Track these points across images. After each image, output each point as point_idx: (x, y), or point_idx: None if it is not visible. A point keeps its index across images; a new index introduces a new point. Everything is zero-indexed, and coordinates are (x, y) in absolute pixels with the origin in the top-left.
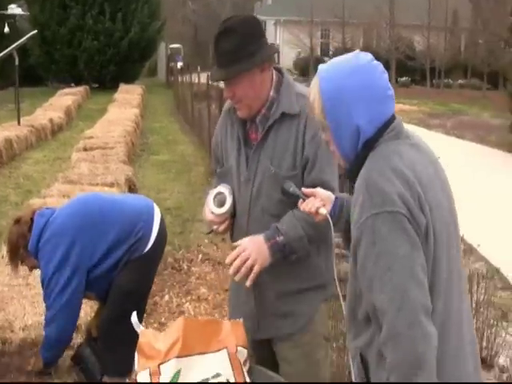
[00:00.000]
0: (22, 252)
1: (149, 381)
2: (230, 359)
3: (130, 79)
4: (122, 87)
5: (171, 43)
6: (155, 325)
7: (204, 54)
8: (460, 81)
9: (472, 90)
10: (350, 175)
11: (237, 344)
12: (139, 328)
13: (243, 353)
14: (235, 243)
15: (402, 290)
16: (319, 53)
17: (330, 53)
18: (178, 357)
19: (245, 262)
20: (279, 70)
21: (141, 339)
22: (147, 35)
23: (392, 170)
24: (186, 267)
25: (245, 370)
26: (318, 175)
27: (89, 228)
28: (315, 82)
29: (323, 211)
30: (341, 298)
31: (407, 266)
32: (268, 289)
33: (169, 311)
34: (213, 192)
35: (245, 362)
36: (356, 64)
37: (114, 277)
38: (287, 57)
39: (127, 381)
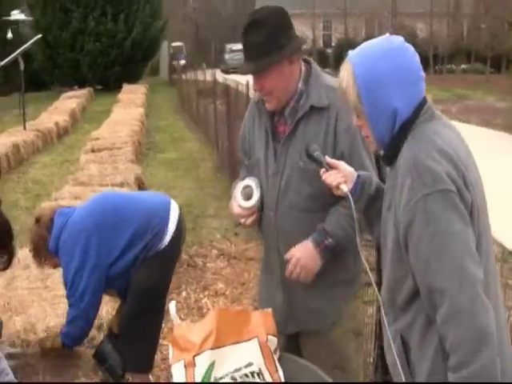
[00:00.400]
0: (43, 251)
1: (183, 372)
2: (260, 348)
3: (133, 79)
4: (126, 87)
5: (173, 42)
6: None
7: (206, 51)
8: (463, 66)
9: (475, 75)
10: (386, 159)
11: (267, 333)
12: (177, 320)
13: (273, 341)
14: (286, 256)
15: (460, 266)
16: (321, 44)
17: (333, 44)
18: (212, 348)
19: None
20: (308, 62)
21: (175, 332)
22: (150, 35)
23: (437, 151)
24: (201, 263)
25: (275, 358)
26: (359, 167)
27: (106, 226)
28: (347, 68)
29: (344, 188)
30: (375, 288)
31: (463, 243)
32: (297, 284)
33: (187, 307)
34: (240, 185)
35: (275, 350)
36: (389, 47)
37: (132, 273)
38: None
39: (150, 377)
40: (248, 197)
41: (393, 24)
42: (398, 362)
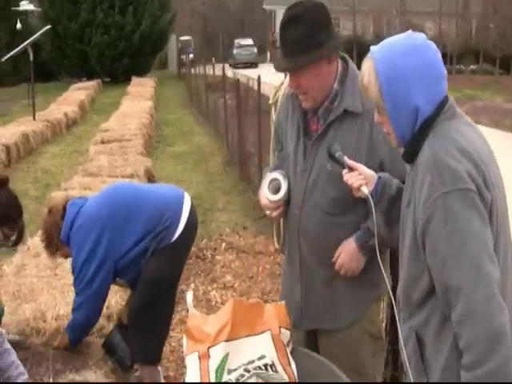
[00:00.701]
0: (55, 241)
1: (198, 364)
2: (273, 341)
3: (141, 72)
4: (135, 80)
5: (181, 35)
6: (183, 313)
7: (214, 45)
8: (472, 66)
9: (484, 75)
10: (406, 156)
11: (280, 326)
12: (192, 310)
13: (286, 334)
14: (334, 259)
15: (477, 265)
16: None
17: None
18: (226, 340)
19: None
20: (344, 59)
21: (189, 322)
22: (158, 28)
23: (457, 149)
24: (210, 256)
25: (288, 351)
26: (402, 175)
27: (118, 217)
28: (369, 64)
29: (365, 190)
30: (389, 290)
31: (481, 242)
32: (316, 280)
33: (196, 299)
34: (268, 177)
35: (288, 343)
36: (411, 43)
37: (142, 265)
38: None
39: (158, 368)
40: (275, 190)
41: (401, 22)
42: (405, 360)
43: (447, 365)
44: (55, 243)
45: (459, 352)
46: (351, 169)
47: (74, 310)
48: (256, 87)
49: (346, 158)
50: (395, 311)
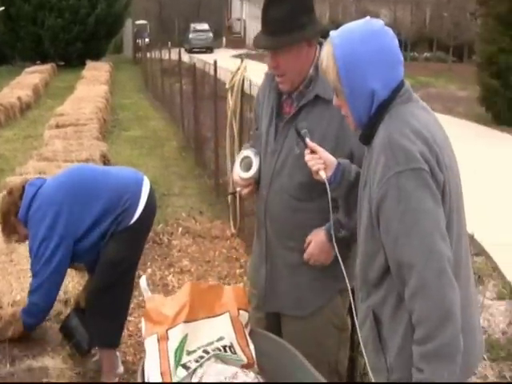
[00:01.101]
0: (12, 220)
1: (156, 346)
2: (232, 322)
3: (96, 56)
4: (90, 64)
5: (136, 20)
6: (140, 298)
7: (170, 30)
8: (426, 54)
9: (438, 63)
10: (364, 138)
11: (238, 307)
12: (147, 293)
13: (245, 316)
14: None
15: (429, 242)
16: None
17: None
18: (185, 322)
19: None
20: (322, 46)
21: (147, 305)
22: (114, 11)
23: (412, 131)
24: (166, 240)
25: (247, 332)
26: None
27: (76, 198)
28: (328, 48)
29: (322, 174)
30: (345, 277)
31: (433, 220)
32: (281, 266)
33: (152, 284)
34: (241, 154)
35: (246, 324)
36: (370, 29)
37: (101, 247)
38: (253, 32)
39: (117, 353)
40: (247, 168)
41: (357, 9)
42: (360, 340)
43: (403, 343)
44: (12, 224)
45: (414, 330)
46: (311, 151)
47: (30, 292)
48: (212, 72)
49: (308, 140)
50: (355, 290)
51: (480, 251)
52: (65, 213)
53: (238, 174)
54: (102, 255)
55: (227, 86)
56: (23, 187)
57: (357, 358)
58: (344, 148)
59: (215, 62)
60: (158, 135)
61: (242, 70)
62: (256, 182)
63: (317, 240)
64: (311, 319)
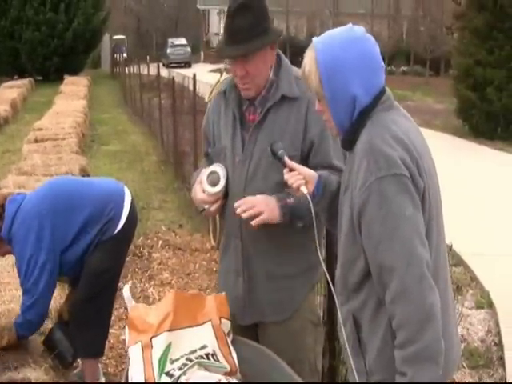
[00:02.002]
0: None
1: (140, 354)
2: (214, 331)
3: (74, 71)
4: (68, 79)
5: (114, 34)
6: (121, 310)
7: (147, 45)
8: (403, 67)
9: (415, 77)
10: (345, 144)
11: (220, 316)
12: (131, 303)
13: (227, 324)
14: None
15: (409, 246)
16: None
17: None
18: (169, 330)
19: (252, 207)
20: (277, 53)
21: (131, 313)
22: (92, 26)
23: (392, 137)
24: (146, 253)
25: (229, 340)
26: (325, 158)
27: (60, 210)
28: (310, 54)
29: (304, 190)
30: (327, 277)
31: (413, 225)
32: (258, 273)
33: (133, 296)
34: (206, 171)
35: (228, 333)
36: (352, 36)
37: (86, 258)
38: None
39: (99, 365)
40: (214, 183)
41: (334, 23)
42: (345, 341)
43: (382, 346)
44: None
45: (393, 333)
46: (290, 169)
47: (24, 310)
48: (191, 86)
49: (286, 159)
50: (333, 294)
51: (458, 261)
52: (49, 225)
53: (205, 189)
54: (86, 265)
55: (206, 100)
56: (3, 205)
57: (338, 366)
58: (306, 140)
59: (194, 76)
60: (137, 149)
61: (221, 83)
62: (223, 196)
63: (265, 196)
64: (290, 321)
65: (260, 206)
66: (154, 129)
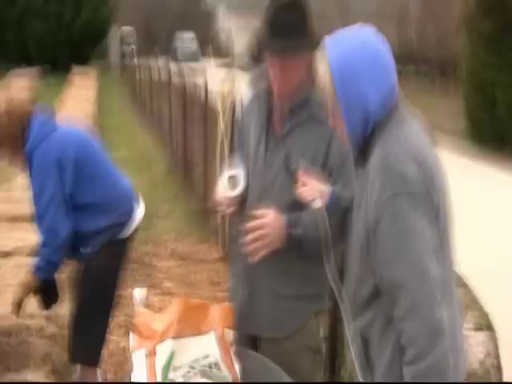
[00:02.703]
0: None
1: (144, 361)
2: (217, 341)
3: (82, 62)
4: (76, 69)
5: (122, 26)
6: (121, 317)
7: (155, 38)
8: (409, 67)
9: (422, 77)
10: (358, 159)
11: (224, 326)
12: (140, 308)
13: (230, 335)
14: (259, 212)
15: (421, 264)
16: None
17: None
18: (173, 338)
19: (259, 239)
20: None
21: (137, 319)
22: (99, 17)
23: (406, 154)
24: (150, 262)
25: (232, 351)
26: (345, 186)
27: (85, 171)
28: (323, 67)
29: (318, 204)
30: (337, 295)
31: (426, 242)
32: (259, 287)
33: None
34: (227, 173)
35: (231, 343)
36: (363, 39)
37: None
38: (239, 43)
39: (97, 371)
40: (233, 186)
41: (342, 23)
42: (354, 359)
43: (390, 363)
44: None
45: (401, 350)
46: (304, 184)
47: (44, 235)
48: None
49: (299, 173)
50: (342, 313)
51: (459, 282)
52: (73, 176)
53: (225, 192)
54: (91, 265)
55: (219, 109)
56: (29, 119)
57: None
58: (327, 168)
59: (206, 85)
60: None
61: (233, 90)
62: (242, 201)
63: (277, 216)
64: (287, 342)
65: (267, 236)
66: (162, 135)
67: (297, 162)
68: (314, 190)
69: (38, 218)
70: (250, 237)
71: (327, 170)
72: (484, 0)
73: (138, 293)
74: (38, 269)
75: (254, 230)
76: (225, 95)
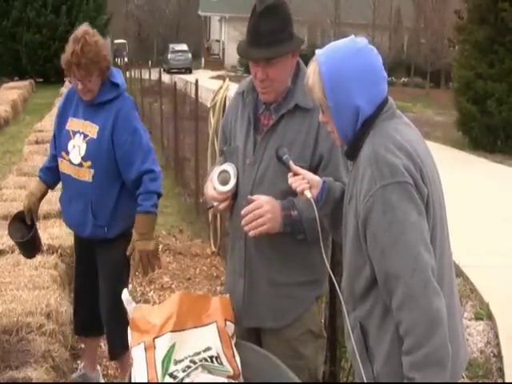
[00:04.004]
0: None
1: (143, 355)
2: (219, 333)
3: None
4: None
5: (115, 39)
6: None
7: (148, 50)
8: (403, 79)
9: (415, 88)
10: (348, 154)
11: (225, 318)
12: (131, 305)
13: (231, 327)
14: (253, 197)
15: (414, 253)
16: None
17: None
18: (172, 331)
19: (257, 218)
20: (297, 61)
21: (134, 314)
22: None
23: (395, 145)
24: None
25: (233, 343)
26: (333, 173)
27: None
28: (313, 66)
29: (308, 194)
30: (337, 287)
31: (417, 232)
32: (260, 278)
33: (133, 300)
34: (218, 169)
35: (232, 335)
36: (354, 47)
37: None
38: (232, 54)
39: (98, 368)
40: (224, 182)
41: (335, 33)
42: (355, 347)
43: (389, 352)
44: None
45: (400, 340)
46: (295, 173)
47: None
48: (193, 92)
49: (291, 163)
50: (342, 303)
51: (458, 273)
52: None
53: (216, 188)
54: (117, 258)
55: (209, 105)
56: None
57: (338, 372)
58: (316, 154)
59: (196, 82)
60: None
61: (224, 89)
62: (233, 196)
63: (272, 201)
64: (290, 329)
65: (264, 215)
66: (155, 133)
67: (288, 151)
68: (303, 180)
69: (145, 154)
70: (247, 217)
71: (317, 155)
72: (477, 11)
73: (125, 293)
74: (154, 205)
75: (251, 211)
76: (216, 91)
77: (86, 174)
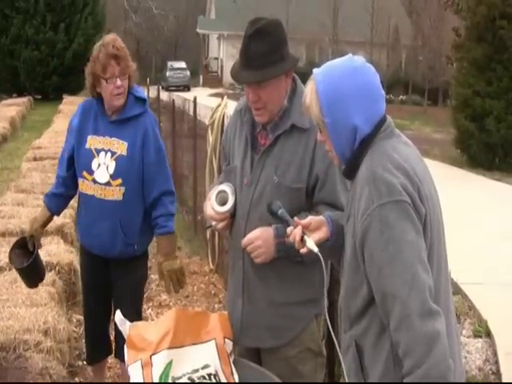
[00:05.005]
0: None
1: (141, 373)
2: (217, 350)
3: (73, 91)
4: (67, 99)
5: None
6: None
7: (147, 67)
8: (401, 97)
9: (413, 106)
10: (347, 173)
11: (224, 336)
12: (126, 324)
13: (229, 345)
14: (244, 241)
15: (412, 271)
16: None
17: None
18: (169, 348)
19: (255, 249)
20: (293, 78)
21: (131, 332)
22: (91, 47)
23: (393, 164)
24: None
25: (231, 360)
26: (330, 194)
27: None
28: (311, 85)
29: (310, 242)
30: (325, 309)
31: (415, 251)
32: (258, 298)
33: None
34: (216, 189)
35: (230, 353)
36: (351, 66)
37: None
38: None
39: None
40: (222, 202)
41: (333, 51)
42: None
43: (384, 371)
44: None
45: (396, 359)
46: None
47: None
48: (191, 109)
49: (289, 218)
50: (338, 320)
51: (456, 290)
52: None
53: (214, 208)
54: (140, 276)
55: (207, 123)
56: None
57: None
58: (312, 174)
59: (195, 99)
60: None
61: (223, 107)
62: (231, 215)
63: (265, 231)
64: (288, 348)
65: (256, 250)
66: None
67: (279, 205)
68: (297, 229)
69: (167, 174)
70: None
71: (313, 176)
72: (475, 28)
73: (118, 314)
74: (171, 223)
75: (247, 245)
76: (214, 109)
77: (116, 193)
